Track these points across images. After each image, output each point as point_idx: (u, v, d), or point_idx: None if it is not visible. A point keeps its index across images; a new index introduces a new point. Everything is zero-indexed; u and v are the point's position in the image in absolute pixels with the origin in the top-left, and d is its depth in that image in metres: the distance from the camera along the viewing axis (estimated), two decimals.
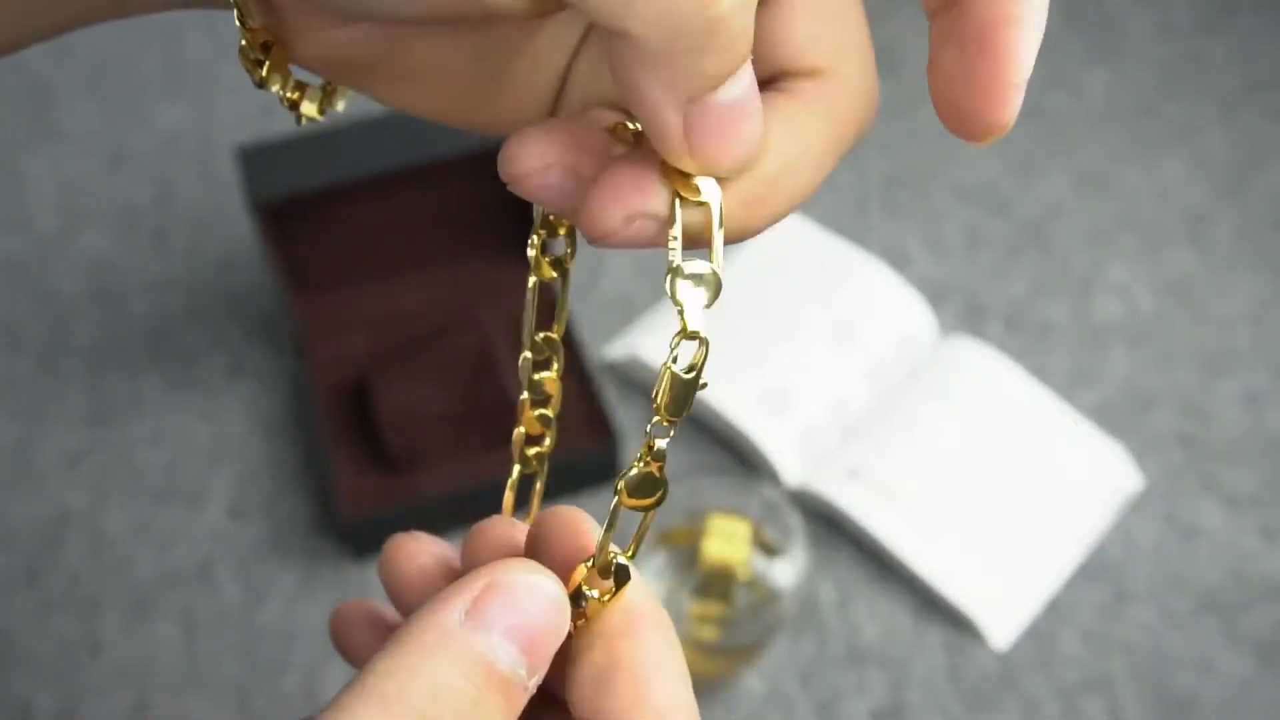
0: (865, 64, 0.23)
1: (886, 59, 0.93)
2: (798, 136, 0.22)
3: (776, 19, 0.22)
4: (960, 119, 0.21)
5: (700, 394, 0.22)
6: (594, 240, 0.21)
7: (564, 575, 0.25)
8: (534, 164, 0.22)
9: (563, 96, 0.25)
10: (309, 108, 0.25)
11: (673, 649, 0.25)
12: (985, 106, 0.21)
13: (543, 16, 0.21)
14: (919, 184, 0.88)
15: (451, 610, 0.23)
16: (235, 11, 0.22)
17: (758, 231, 0.22)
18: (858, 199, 0.87)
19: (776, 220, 0.22)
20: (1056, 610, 0.67)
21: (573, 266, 0.27)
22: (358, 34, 0.23)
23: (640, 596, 0.25)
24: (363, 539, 0.69)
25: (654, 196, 0.21)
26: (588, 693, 0.24)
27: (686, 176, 0.21)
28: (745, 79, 0.20)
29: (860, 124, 0.23)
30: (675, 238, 0.21)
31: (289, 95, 0.24)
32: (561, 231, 0.26)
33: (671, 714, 0.24)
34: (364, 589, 0.69)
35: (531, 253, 0.26)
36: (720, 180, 0.21)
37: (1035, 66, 0.20)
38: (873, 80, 0.23)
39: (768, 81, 0.23)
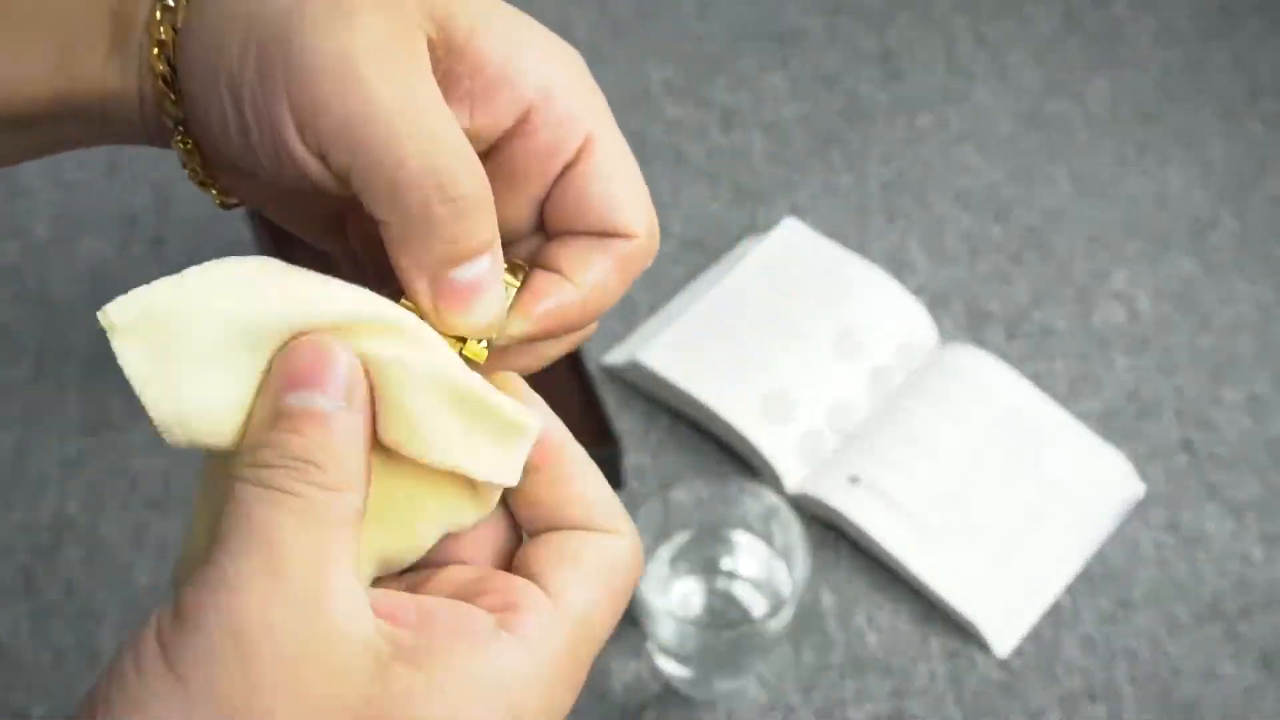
0: (653, 229, 0.31)
1: (886, 64, 0.93)
2: (605, 279, 0.30)
3: (601, 193, 0.30)
4: None
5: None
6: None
7: None
8: None
9: None
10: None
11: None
12: None
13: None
14: (920, 190, 0.88)
15: None
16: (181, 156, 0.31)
17: (578, 334, 0.31)
18: (858, 205, 0.87)
19: (584, 329, 0.31)
20: (1059, 617, 0.67)
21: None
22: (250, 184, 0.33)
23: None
24: None
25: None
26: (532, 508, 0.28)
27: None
28: (484, 263, 0.27)
29: (643, 269, 0.31)
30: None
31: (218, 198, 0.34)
32: None
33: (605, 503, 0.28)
34: None
35: None
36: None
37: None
38: (655, 240, 0.31)
39: (598, 234, 0.30)
